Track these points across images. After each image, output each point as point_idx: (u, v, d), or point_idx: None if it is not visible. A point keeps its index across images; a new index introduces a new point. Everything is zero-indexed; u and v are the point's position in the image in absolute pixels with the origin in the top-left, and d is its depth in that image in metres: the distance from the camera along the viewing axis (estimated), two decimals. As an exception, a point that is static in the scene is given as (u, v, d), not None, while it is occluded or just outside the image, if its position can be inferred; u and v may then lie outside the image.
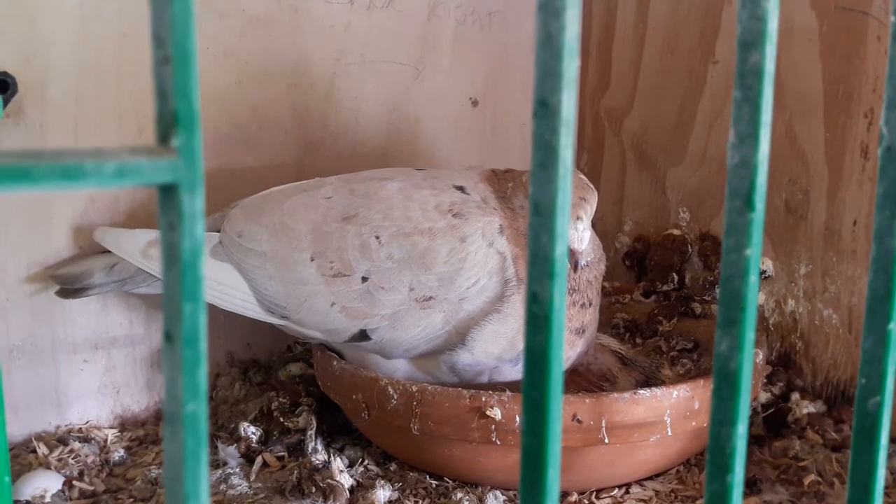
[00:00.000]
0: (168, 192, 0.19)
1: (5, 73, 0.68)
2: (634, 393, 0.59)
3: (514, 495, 0.62)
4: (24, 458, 0.70)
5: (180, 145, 0.19)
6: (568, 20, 0.23)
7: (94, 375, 0.76)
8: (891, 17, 0.32)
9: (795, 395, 0.75)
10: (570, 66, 0.23)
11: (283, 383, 0.79)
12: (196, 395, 0.20)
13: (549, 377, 0.26)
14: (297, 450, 0.69)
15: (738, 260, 0.29)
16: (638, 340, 0.82)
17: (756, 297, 0.29)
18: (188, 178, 0.19)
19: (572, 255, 0.62)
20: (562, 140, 0.24)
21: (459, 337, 0.64)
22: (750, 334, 0.29)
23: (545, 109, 0.24)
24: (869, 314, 0.33)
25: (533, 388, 0.26)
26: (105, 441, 0.74)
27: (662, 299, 0.85)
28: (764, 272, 0.80)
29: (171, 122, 0.19)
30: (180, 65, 0.18)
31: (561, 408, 0.26)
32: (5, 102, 0.68)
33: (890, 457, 0.68)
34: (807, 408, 0.74)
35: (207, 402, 0.20)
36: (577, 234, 0.62)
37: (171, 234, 0.20)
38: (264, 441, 0.71)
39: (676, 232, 0.88)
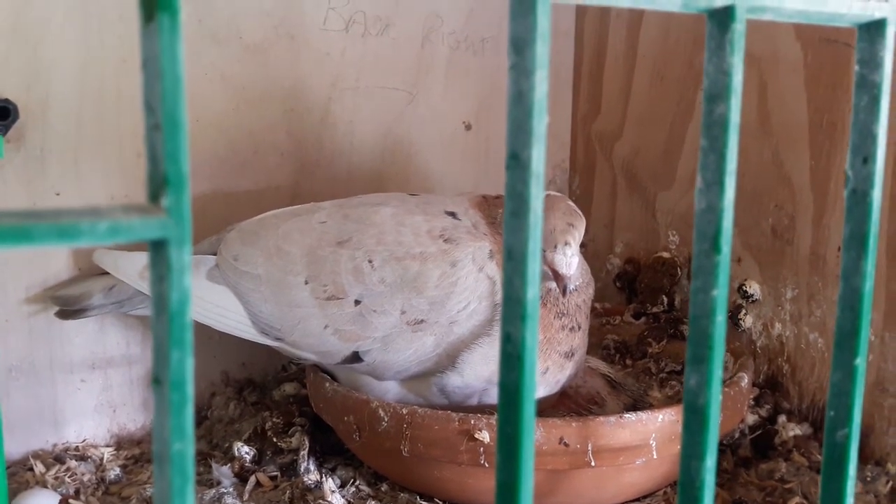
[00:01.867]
0: (158, 248, 0.21)
1: (6, 101, 0.69)
2: (620, 417, 0.60)
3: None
4: (21, 476, 0.71)
5: (169, 205, 0.20)
6: (537, 80, 0.24)
7: (91, 394, 0.77)
8: (854, 66, 0.33)
9: (782, 418, 0.76)
10: (540, 123, 0.25)
11: (278, 403, 0.80)
12: (182, 436, 0.22)
13: (521, 414, 0.27)
14: (290, 470, 0.70)
15: (705, 300, 0.30)
16: (628, 361, 0.83)
17: (724, 335, 0.30)
18: (177, 235, 0.20)
19: (561, 279, 0.64)
20: (532, 191, 0.25)
21: (450, 360, 0.65)
22: (717, 371, 0.30)
23: (517, 162, 0.25)
24: (837, 349, 0.35)
25: (507, 424, 0.27)
26: (101, 459, 0.75)
27: (652, 321, 0.87)
28: (751, 295, 0.81)
29: (161, 183, 0.20)
30: (170, 132, 0.20)
31: (533, 444, 0.27)
32: (7, 129, 0.70)
33: (874, 480, 0.69)
34: (793, 430, 0.75)
35: (194, 441, 0.22)
36: (566, 259, 0.63)
37: (160, 285, 0.21)
38: (258, 461, 0.72)
39: (666, 255, 0.89)
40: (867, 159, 0.33)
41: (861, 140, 0.33)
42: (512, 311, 0.27)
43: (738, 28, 0.28)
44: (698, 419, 0.30)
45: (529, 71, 0.24)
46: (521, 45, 0.25)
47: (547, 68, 0.25)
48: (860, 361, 0.34)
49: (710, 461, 0.31)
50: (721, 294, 0.30)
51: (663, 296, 0.88)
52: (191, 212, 0.21)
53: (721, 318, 0.30)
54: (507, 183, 0.26)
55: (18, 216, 0.19)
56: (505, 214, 0.26)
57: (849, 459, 0.35)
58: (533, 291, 0.26)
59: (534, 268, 0.26)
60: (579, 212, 0.67)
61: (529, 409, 0.27)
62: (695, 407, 0.30)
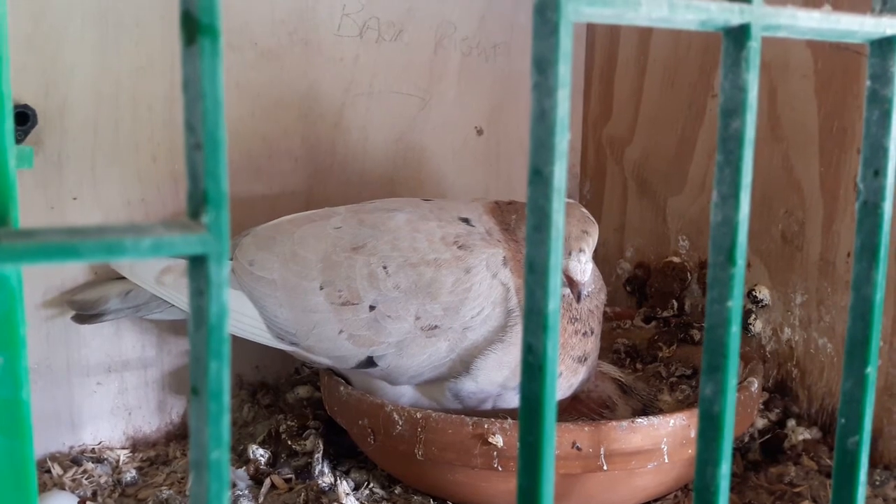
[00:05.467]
0: (197, 263, 0.21)
1: (25, 106, 0.70)
2: (632, 421, 0.61)
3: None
4: (39, 478, 0.72)
5: (209, 221, 0.21)
6: (559, 99, 0.25)
7: (107, 397, 0.78)
8: (867, 81, 0.34)
9: (791, 422, 0.77)
10: (562, 140, 0.25)
11: (291, 406, 0.81)
12: (220, 444, 0.22)
13: (543, 422, 0.28)
14: (305, 472, 0.71)
15: (721, 311, 0.31)
16: (638, 366, 0.84)
17: (738, 345, 0.31)
18: (216, 250, 0.21)
19: (575, 286, 0.64)
20: (554, 206, 0.26)
21: (464, 365, 0.66)
22: (732, 380, 0.31)
23: (539, 178, 0.26)
24: (848, 357, 0.35)
25: (528, 434, 0.28)
26: (117, 462, 0.76)
27: (662, 325, 0.87)
28: (761, 301, 0.82)
29: (201, 200, 0.21)
30: (211, 151, 0.21)
31: (554, 452, 0.28)
32: (25, 134, 0.71)
33: (883, 484, 0.69)
34: (802, 434, 0.75)
35: (230, 448, 0.22)
36: (580, 265, 0.64)
37: (199, 298, 0.22)
38: (272, 463, 0.73)
39: (676, 259, 0.90)
40: (878, 172, 0.34)
41: (872, 153, 0.34)
42: (534, 323, 0.27)
43: (754, 46, 0.29)
44: (713, 426, 0.31)
45: (552, 89, 0.25)
46: (543, 65, 0.25)
47: (569, 87, 0.25)
48: (871, 370, 0.35)
49: (725, 467, 0.31)
50: (736, 305, 0.30)
51: (673, 300, 0.89)
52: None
53: (736, 329, 0.31)
54: (528, 197, 0.26)
55: (64, 233, 0.20)
56: (527, 228, 0.27)
57: (860, 466, 0.35)
58: (554, 303, 0.27)
59: (555, 281, 0.27)
60: (593, 219, 0.68)
61: (551, 419, 0.28)
62: (710, 415, 0.31)
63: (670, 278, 0.89)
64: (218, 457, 0.22)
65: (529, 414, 0.28)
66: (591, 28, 0.97)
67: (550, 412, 0.28)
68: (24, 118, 0.70)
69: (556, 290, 0.27)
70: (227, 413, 0.22)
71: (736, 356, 0.31)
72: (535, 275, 0.27)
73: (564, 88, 0.25)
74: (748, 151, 0.30)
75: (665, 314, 0.89)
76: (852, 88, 0.73)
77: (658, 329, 0.87)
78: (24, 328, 0.43)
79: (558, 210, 0.26)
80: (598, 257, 0.69)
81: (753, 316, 0.82)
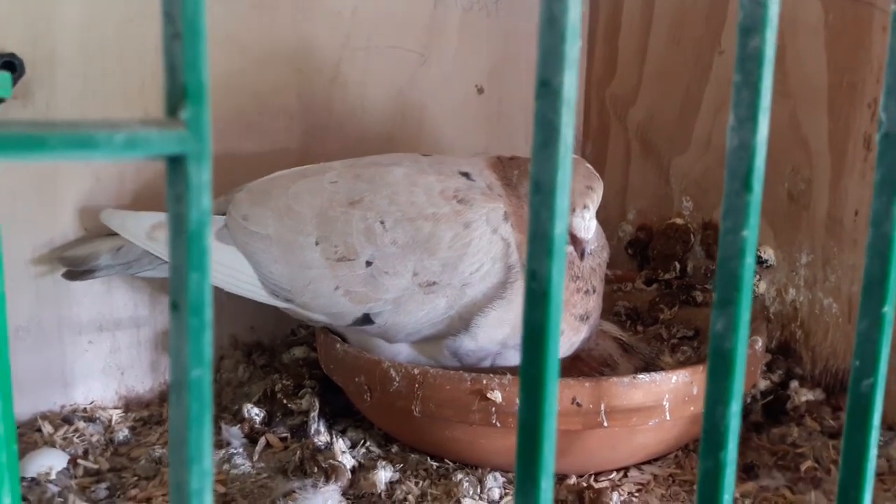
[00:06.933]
0: (176, 164, 0.20)
1: (13, 55, 0.68)
2: (634, 377, 0.59)
3: (514, 476, 0.63)
4: (29, 436, 0.71)
5: (189, 118, 0.19)
6: (571, 2, 0.23)
7: (99, 356, 0.77)
8: (892, 5, 0.32)
9: (794, 383, 0.76)
10: (573, 48, 0.24)
11: (287, 366, 0.80)
12: (201, 362, 0.21)
13: (546, 353, 0.26)
14: (300, 431, 0.70)
15: (735, 241, 0.29)
16: (639, 328, 0.82)
17: (752, 278, 0.30)
18: (196, 149, 0.19)
19: (578, 243, 0.63)
20: (563, 119, 0.24)
21: (463, 322, 0.64)
22: (745, 314, 0.30)
23: (547, 89, 0.24)
24: (864, 297, 0.34)
25: (531, 365, 0.27)
26: (110, 421, 0.75)
27: (664, 287, 0.86)
28: (765, 261, 0.80)
29: (180, 95, 0.19)
30: (190, 40, 0.19)
31: (558, 384, 0.27)
32: (13, 83, 0.69)
33: (886, 444, 0.68)
34: (805, 395, 0.74)
35: (212, 369, 0.21)
36: (584, 222, 0.62)
37: (178, 205, 0.20)
38: (268, 422, 0.72)
39: (679, 221, 0.88)
40: (902, 101, 0.32)
41: (895, 82, 0.32)
42: (539, 247, 0.26)
43: (776, -44, 0.27)
44: (724, 363, 0.30)
45: (561, -8, 0.23)
46: (552, -34, 0.23)
47: (579, -11, 0.24)
48: (888, 309, 0.33)
49: (736, 406, 0.30)
50: (751, 235, 0.29)
51: (676, 262, 0.87)
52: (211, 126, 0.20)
53: (750, 260, 0.29)
54: (536, 112, 0.25)
55: (32, 126, 0.18)
56: (533, 146, 0.25)
57: (874, 409, 0.34)
58: (561, 226, 0.26)
59: (563, 201, 0.25)
60: (597, 175, 0.66)
61: (554, 349, 0.26)
62: (721, 351, 0.30)
63: (673, 240, 0.88)
64: (199, 375, 0.21)
65: (532, 344, 0.26)
66: (595, -15, 0.95)
67: (554, 342, 0.26)
68: (11, 67, 0.68)
69: (564, 211, 0.26)
70: (209, 329, 0.21)
71: (750, 289, 0.29)
72: (541, 195, 0.25)
73: (575, -10, 0.23)
74: (768, 71, 0.28)
75: (667, 276, 0.87)
76: (863, 42, 0.71)
77: (660, 291, 0.85)
78: (1, 281, 0.41)
79: (567, 124, 0.25)
80: (599, 219, 0.67)
81: (758, 276, 0.81)
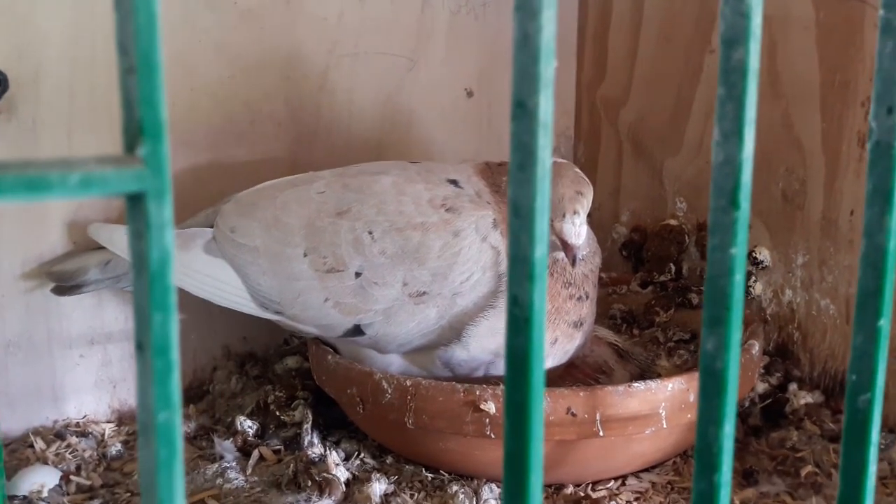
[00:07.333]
0: (135, 202, 0.19)
1: (-3, 70, 0.67)
2: (629, 386, 0.59)
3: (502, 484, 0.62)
4: (21, 452, 0.70)
5: (146, 154, 0.18)
6: (545, 21, 0.22)
7: (91, 370, 0.76)
8: (879, 11, 0.31)
9: (793, 386, 0.75)
10: (548, 68, 0.23)
11: (280, 377, 0.79)
12: (168, 405, 0.20)
13: (530, 380, 0.26)
14: (294, 443, 0.69)
15: (723, 258, 0.28)
16: (635, 331, 0.82)
17: (742, 295, 0.29)
18: (155, 187, 0.19)
19: (570, 249, 0.62)
20: (539, 142, 0.23)
21: (454, 332, 0.64)
22: (736, 334, 0.29)
23: (523, 111, 0.24)
24: (859, 310, 0.33)
25: (515, 392, 0.26)
26: (102, 435, 0.74)
27: (659, 290, 0.85)
28: (761, 262, 0.79)
29: (136, 131, 0.18)
30: (145, 75, 0.18)
31: (543, 412, 0.26)
32: (-3, 99, 0.68)
33: (888, 447, 0.68)
34: (804, 398, 0.74)
35: (181, 410, 0.20)
36: (575, 228, 0.62)
37: (139, 243, 0.19)
38: (261, 435, 0.71)
39: (673, 222, 0.88)
40: (892, 109, 0.31)
41: (885, 89, 0.32)
42: (519, 272, 0.25)
43: (758, -34, 0.26)
44: (716, 383, 0.29)
45: (536, 11, 0.23)
46: (526, -16, 0.23)
47: (555, 8, 0.23)
48: (884, 323, 0.33)
49: (729, 427, 0.29)
50: (740, 252, 0.28)
51: (671, 264, 0.87)
52: (170, 165, 0.19)
53: (740, 278, 0.28)
54: (512, 134, 0.24)
55: (-19, 168, 0.18)
56: (510, 167, 0.24)
57: (871, 425, 0.33)
58: (541, 250, 0.25)
59: (542, 224, 0.25)
60: (587, 180, 0.65)
61: (538, 375, 0.26)
62: (712, 370, 0.29)
63: (667, 242, 0.87)
64: (167, 419, 0.20)
65: (515, 371, 0.26)
66: (585, -14, 0.94)
67: (538, 368, 0.26)
68: (-5, 82, 0.68)
69: (543, 235, 0.25)
70: (175, 370, 0.20)
71: (740, 307, 0.29)
72: (519, 219, 0.25)
73: (550, 9, 0.23)
74: (752, 83, 0.27)
75: (662, 278, 0.86)
76: (855, 40, 0.70)
77: (655, 294, 0.85)
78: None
79: (545, 147, 0.24)
80: (592, 222, 0.66)
81: (753, 278, 0.80)
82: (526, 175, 0.24)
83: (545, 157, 0.24)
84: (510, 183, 0.24)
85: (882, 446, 0.67)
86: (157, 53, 0.18)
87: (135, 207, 0.19)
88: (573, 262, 0.63)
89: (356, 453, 0.69)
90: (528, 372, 0.25)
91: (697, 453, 0.30)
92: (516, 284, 0.25)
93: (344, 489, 0.63)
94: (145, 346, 0.20)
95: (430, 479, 0.65)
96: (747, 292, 0.80)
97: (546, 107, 0.23)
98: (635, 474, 0.66)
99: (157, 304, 0.19)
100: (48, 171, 0.18)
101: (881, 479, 0.64)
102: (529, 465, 0.26)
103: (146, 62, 0.18)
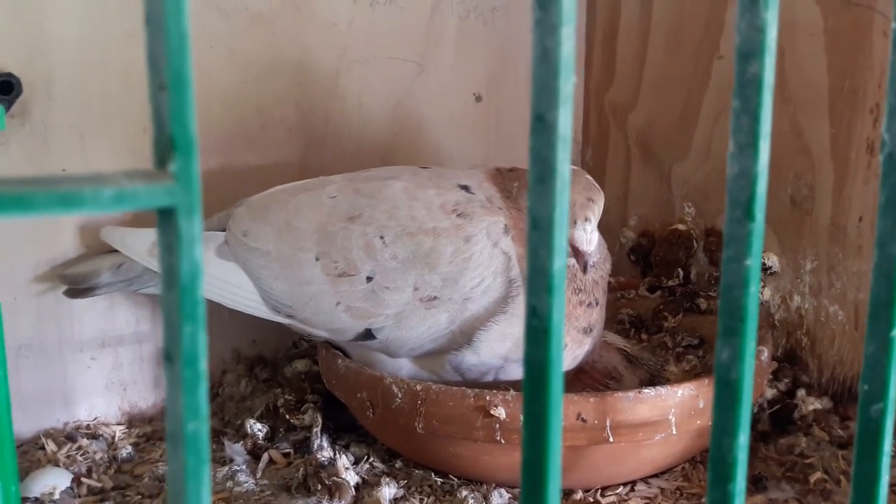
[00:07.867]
0: (166, 216, 0.19)
1: (10, 74, 0.68)
2: (639, 392, 0.59)
3: (519, 493, 0.62)
4: (32, 454, 0.71)
5: (177, 170, 0.19)
6: (564, 37, 0.23)
7: (102, 373, 0.77)
8: (892, 23, 0.32)
9: (801, 392, 0.75)
10: (567, 83, 0.23)
11: (289, 380, 0.79)
12: (196, 415, 0.20)
13: (549, 391, 0.26)
14: (303, 447, 0.70)
15: (738, 270, 0.29)
16: (643, 336, 0.82)
17: (757, 307, 0.29)
18: (185, 202, 0.19)
19: (581, 256, 0.62)
20: (559, 155, 0.24)
21: (464, 337, 0.64)
22: (751, 344, 0.29)
23: (542, 125, 0.24)
24: (871, 320, 0.33)
25: (533, 402, 0.26)
26: (113, 438, 0.74)
27: (668, 295, 0.85)
28: (769, 268, 0.80)
29: (167, 147, 0.19)
30: (176, 91, 0.18)
31: (561, 422, 0.26)
32: (10, 103, 0.69)
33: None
34: (813, 404, 0.74)
35: (209, 420, 0.20)
36: (586, 235, 0.62)
37: (169, 256, 0.20)
38: (270, 438, 0.72)
39: (682, 227, 0.88)
40: (905, 121, 0.32)
41: (899, 101, 0.32)
42: (538, 284, 0.25)
43: (774, -19, 0.27)
44: (730, 394, 0.29)
45: (555, 26, 0.23)
46: (546, 1, 0.23)
47: (574, 24, 0.23)
48: (896, 333, 0.33)
49: (743, 438, 0.29)
50: (755, 264, 0.28)
51: (679, 269, 0.87)
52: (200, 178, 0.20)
53: (754, 290, 0.29)
54: (531, 147, 0.24)
55: (18, 183, 0.18)
56: (529, 181, 0.25)
57: (884, 435, 0.33)
58: (560, 262, 0.25)
59: (561, 237, 0.25)
60: (598, 186, 0.66)
61: (557, 386, 0.26)
62: (727, 381, 0.29)
63: (675, 246, 0.87)
64: (195, 429, 0.20)
65: (534, 382, 0.26)
66: (593, -9, 0.94)
67: (557, 379, 0.26)
68: (9, 87, 0.68)
69: (562, 247, 0.25)
70: (204, 381, 0.20)
71: (755, 318, 0.29)
72: (538, 231, 0.25)
73: (569, 25, 0.23)
74: (767, 97, 0.27)
75: (670, 283, 0.87)
76: (864, 47, 0.70)
77: (663, 298, 0.85)
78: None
79: (563, 160, 0.24)
80: (601, 226, 0.66)
81: (762, 283, 0.80)
82: (545, 188, 0.24)
83: (564, 170, 0.24)
84: (529, 196, 0.25)
85: (894, 453, 0.67)
86: (188, 71, 0.19)
87: (165, 222, 0.20)
88: (584, 269, 0.63)
89: (365, 457, 0.69)
90: (547, 383, 0.26)
91: (711, 463, 0.30)
92: (535, 296, 0.25)
93: (353, 493, 0.63)
94: (175, 357, 0.20)
95: (439, 483, 0.65)
96: (756, 298, 0.80)
97: (565, 121, 0.24)
98: (644, 480, 0.66)
99: (187, 316, 0.20)
100: (81, 187, 0.18)
101: (892, 487, 0.64)
102: (547, 475, 0.26)
103: (177, 80, 0.19)
